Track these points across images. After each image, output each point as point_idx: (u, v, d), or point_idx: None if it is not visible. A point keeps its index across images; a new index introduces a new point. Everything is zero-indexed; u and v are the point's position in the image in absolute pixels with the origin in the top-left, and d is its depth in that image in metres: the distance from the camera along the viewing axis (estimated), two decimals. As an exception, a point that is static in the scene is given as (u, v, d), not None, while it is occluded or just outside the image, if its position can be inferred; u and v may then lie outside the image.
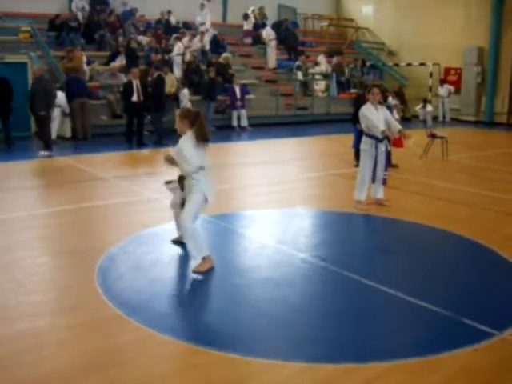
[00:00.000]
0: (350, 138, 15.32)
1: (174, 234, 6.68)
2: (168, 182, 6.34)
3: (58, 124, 14.84)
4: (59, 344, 4.29)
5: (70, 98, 15.11)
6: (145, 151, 14.16)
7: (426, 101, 22.43)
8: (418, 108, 21.85)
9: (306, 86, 21.81)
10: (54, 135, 14.70)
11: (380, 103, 8.68)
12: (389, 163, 9.13)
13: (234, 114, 18.32)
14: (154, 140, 14.79)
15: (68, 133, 15.50)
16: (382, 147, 8.35)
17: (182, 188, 5.94)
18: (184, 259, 6.21)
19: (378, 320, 4.84)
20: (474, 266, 6.31)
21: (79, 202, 8.59)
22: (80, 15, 19.61)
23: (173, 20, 21.38)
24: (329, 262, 6.07)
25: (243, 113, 18.30)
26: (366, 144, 8.34)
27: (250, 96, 19.27)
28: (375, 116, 8.24)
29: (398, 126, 8.45)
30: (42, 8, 19.20)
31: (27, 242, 6.75)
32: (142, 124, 14.62)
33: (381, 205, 8.56)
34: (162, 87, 14.98)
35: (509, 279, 5.85)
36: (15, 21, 17.88)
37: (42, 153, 12.87)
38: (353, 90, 22.88)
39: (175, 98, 16.88)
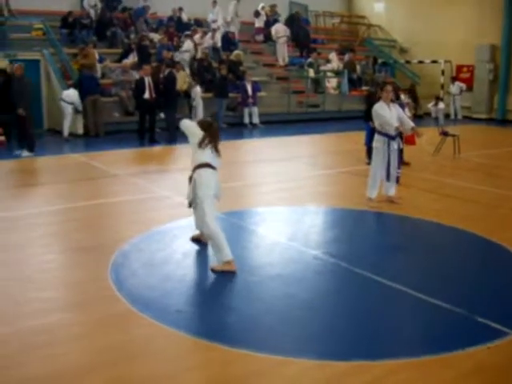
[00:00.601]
0: (361, 136, 15.28)
1: (188, 232, 6.71)
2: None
3: (70, 121, 14.89)
4: (72, 339, 4.34)
5: (82, 96, 15.15)
6: (157, 148, 14.20)
7: (438, 98, 22.33)
8: (430, 105, 21.74)
9: (317, 84, 21.76)
10: (66, 132, 14.81)
11: (393, 101, 8.68)
12: (401, 161, 9.10)
13: (246, 111, 18.31)
14: (167, 137, 14.80)
15: (80, 130, 15.55)
16: (395, 145, 8.34)
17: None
18: (196, 256, 6.25)
19: (390, 317, 4.86)
20: (486, 263, 6.31)
21: (92, 199, 8.66)
22: (92, 12, 19.65)
23: (184, 17, 21.39)
24: (340, 258, 6.09)
25: (255, 110, 18.30)
26: (378, 142, 8.34)
27: (262, 93, 19.26)
28: (388, 113, 8.23)
29: (411, 124, 8.44)
30: (54, 5, 19.22)
31: (40, 238, 6.82)
32: (154, 121, 14.66)
33: (392, 202, 8.55)
34: (174, 84, 15.02)
35: (521, 277, 5.85)
36: (28, 18, 17.95)
37: (25, 153, 12.40)
38: (364, 88, 22.84)
39: (187, 95, 16.92)
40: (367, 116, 12.29)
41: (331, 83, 22.11)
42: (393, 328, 4.65)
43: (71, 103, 14.89)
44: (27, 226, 7.34)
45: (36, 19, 17.86)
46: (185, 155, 13.57)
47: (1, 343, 4.24)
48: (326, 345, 4.33)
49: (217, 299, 5.19)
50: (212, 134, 5.98)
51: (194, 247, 6.47)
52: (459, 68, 23.74)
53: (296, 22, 23.37)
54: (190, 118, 16.45)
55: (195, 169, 5.93)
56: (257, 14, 22.94)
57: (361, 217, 8.06)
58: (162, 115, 15.60)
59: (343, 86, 21.80)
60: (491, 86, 22.90)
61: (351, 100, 21.86)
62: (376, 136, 8.41)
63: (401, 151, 8.83)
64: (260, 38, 23.11)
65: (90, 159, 12.15)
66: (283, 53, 22.04)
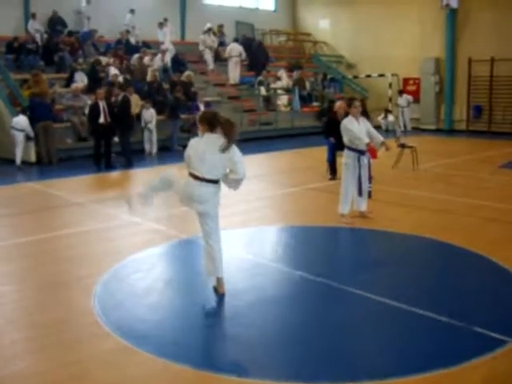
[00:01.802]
0: (317, 152, 15.42)
1: (164, 258, 6.51)
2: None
3: (22, 149, 14.44)
4: (68, 381, 4.08)
5: (33, 122, 14.69)
6: (115, 173, 13.89)
7: (387, 111, 22.74)
8: (380, 118, 22.09)
9: (268, 102, 21.81)
10: (18, 160, 14.34)
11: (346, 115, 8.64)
12: (371, 175, 9.13)
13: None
14: (123, 162, 14.49)
15: (33, 157, 15.08)
16: (365, 160, 8.35)
17: None
18: (178, 284, 6.06)
19: (389, 334, 4.79)
20: (469, 273, 6.35)
21: (60, 229, 8.33)
22: (38, 37, 19.23)
23: (132, 40, 21.17)
24: (326, 277, 6.00)
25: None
26: (348, 157, 8.32)
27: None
28: (357, 128, 8.24)
29: (381, 138, 8.47)
30: (-3, 30, 18.76)
31: (10, 274, 6.48)
32: (109, 146, 14.34)
33: (365, 217, 8.55)
34: (129, 108, 14.77)
35: (507, 284, 5.88)
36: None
37: None
38: (315, 104, 23.06)
39: (138, 118, 16.66)
40: (327, 132, 12.38)
41: (282, 101, 22.22)
42: (393, 345, 4.58)
43: (22, 130, 14.44)
44: (-5, 260, 7.01)
45: (-20, 45, 17.34)
46: (144, 179, 13.43)
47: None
48: (327, 367, 4.21)
49: (209, 327, 5.03)
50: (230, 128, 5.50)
51: (174, 275, 6.29)
52: (406, 81, 24.24)
53: (256, 43, 23.51)
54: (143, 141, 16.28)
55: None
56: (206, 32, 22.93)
57: (337, 234, 8.02)
58: (116, 139, 15.29)
59: (295, 103, 21.92)
60: (437, 98, 23.47)
61: (303, 117, 22.01)
62: (346, 151, 8.40)
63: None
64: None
65: (47, 187, 11.76)
66: (235, 72, 21.97)
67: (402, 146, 13.58)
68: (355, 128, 8.25)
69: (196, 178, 5.41)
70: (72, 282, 6.11)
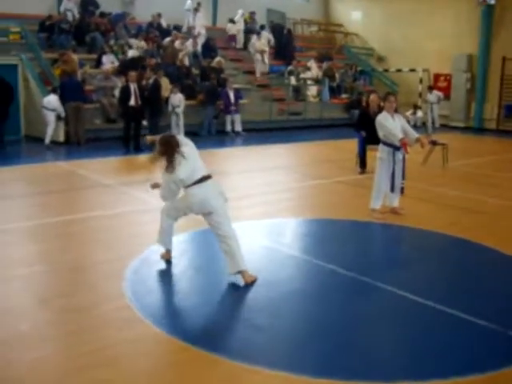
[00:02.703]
0: (346, 144, 15.30)
1: (193, 244, 6.46)
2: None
3: (52, 128, 14.50)
4: (98, 367, 4.05)
5: (64, 102, 14.75)
6: (143, 156, 13.88)
7: (416, 107, 22.50)
8: (409, 114, 21.85)
9: (298, 92, 21.68)
10: (48, 140, 14.41)
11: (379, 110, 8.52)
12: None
13: (228, 118, 18.12)
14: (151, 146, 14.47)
15: (62, 137, 15.15)
16: (400, 155, 8.23)
17: None
18: (210, 271, 6.02)
19: (423, 334, 4.68)
20: (503, 276, 6.21)
21: (88, 211, 8.34)
22: (70, 16, 19.26)
23: (164, 23, 21.11)
24: (358, 272, 5.91)
25: (237, 118, 18.10)
26: (383, 152, 8.22)
27: (243, 101, 19.07)
28: (392, 124, 8.12)
29: (415, 134, 8.34)
30: (31, 9, 18.79)
31: (41, 254, 6.48)
32: (139, 129, 14.34)
33: (396, 213, 8.44)
34: (160, 91, 14.76)
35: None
36: (5, 21, 17.46)
37: None
38: (344, 96, 22.88)
39: (167, 102, 16.65)
40: (359, 125, 12.26)
41: (311, 91, 22.07)
42: (431, 347, 4.47)
43: (53, 110, 14.50)
44: (22, 240, 7.01)
45: (13, 23, 17.39)
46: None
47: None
48: (359, 364, 4.15)
49: (240, 317, 4.98)
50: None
51: (205, 261, 6.25)
52: (436, 77, 23.93)
53: (284, 31, 23.36)
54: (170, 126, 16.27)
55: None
56: (231, 21, 22.76)
57: (368, 229, 7.92)
58: (145, 123, 15.29)
59: (324, 94, 21.77)
60: (468, 95, 23.14)
61: (332, 108, 21.86)
62: (381, 146, 8.29)
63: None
64: (238, 45, 22.98)
65: (76, 167, 11.80)
66: (262, 64, 21.85)
67: (434, 142, 13.38)
68: (390, 124, 8.13)
69: (204, 178, 5.52)
70: (102, 264, 6.09)
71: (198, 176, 5.49)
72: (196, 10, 21.19)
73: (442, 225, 7.94)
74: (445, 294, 5.50)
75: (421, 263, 6.50)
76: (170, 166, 5.38)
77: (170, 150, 5.38)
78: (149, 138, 6.05)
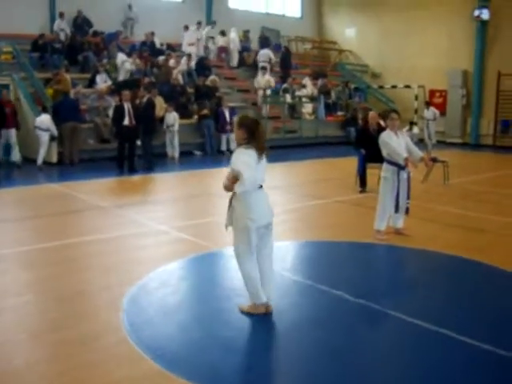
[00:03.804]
0: (343, 162, 15.09)
1: (195, 272, 6.17)
2: None
3: (46, 149, 14.24)
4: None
5: (59, 122, 14.51)
6: (137, 177, 13.61)
7: (412, 123, 22.31)
8: (405, 130, 21.62)
9: (293, 109, 21.51)
10: (40, 160, 14.14)
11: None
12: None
13: (224, 137, 17.91)
14: (145, 166, 14.23)
15: (54, 158, 14.88)
16: (404, 174, 7.99)
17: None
18: (211, 300, 5.72)
19: (440, 365, 4.38)
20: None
21: (84, 235, 8.03)
22: (62, 36, 19.09)
23: (157, 42, 20.97)
24: (367, 298, 5.62)
25: (232, 137, 17.85)
26: (387, 171, 7.97)
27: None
28: (396, 142, 7.89)
29: (420, 153, 8.11)
30: (23, 28, 18.62)
31: (33, 282, 6.17)
32: (134, 148, 14.07)
33: (401, 234, 8.18)
34: (153, 110, 14.51)
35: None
36: (-4, 41, 17.29)
37: None
38: (340, 113, 22.73)
39: (161, 121, 16.44)
40: (358, 143, 12.05)
41: (307, 109, 21.91)
42: (446, 379, 4.18)
43: (47, 130, 14.24)
44: (13, 267, 6.69)
45: (5, 42, 17.17)
46: (168, 184, 13.20)
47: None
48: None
49: (246, 350, 4.68)
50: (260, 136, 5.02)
51: (206, 290, 5.96)
52: (432, 93, 23.85)
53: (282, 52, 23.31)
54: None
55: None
56: (222, 33, 22.65)
57: (373, 251, 7.65)
58: (139, 142, 15.05)
59: (320, 112, 21.60)
60: (464, 111, 23.07)
61: (327, 125, 21.71)
62: (385, 165, 8.05)
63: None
64: (232, 63, 22.85)
65: (70, 189, 11.51)
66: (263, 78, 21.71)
67: (434, 160, 13.15)
68: (394, 142, 7.90)
69: (260, 187, 5.16)
70: (99, 293, 5.78)
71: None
72: (187, 27, 21.06)
73: (447, 245, 7.69)
74: (458, 320, 5.20)
75: (430, 287, 6.23)
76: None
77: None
78: None
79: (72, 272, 6.48)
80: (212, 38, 22.50)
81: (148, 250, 7.43)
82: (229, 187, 4.96)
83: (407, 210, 8.20)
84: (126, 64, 18.12)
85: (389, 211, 8.03)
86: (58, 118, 14.54)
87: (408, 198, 8.15)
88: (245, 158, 4.89)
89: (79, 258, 7.01)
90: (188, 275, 6.49)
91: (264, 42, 23.23)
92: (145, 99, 14.42)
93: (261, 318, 5.17)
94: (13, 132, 14.38)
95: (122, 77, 18.02)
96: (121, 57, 18.42)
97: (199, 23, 21.58)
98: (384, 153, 8.03)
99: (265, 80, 20.97)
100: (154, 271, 6.42)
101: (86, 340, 4.70)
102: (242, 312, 5.24)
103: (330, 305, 5.57)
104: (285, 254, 7.49)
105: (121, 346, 4.56)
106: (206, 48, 21.90)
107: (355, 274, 6.61)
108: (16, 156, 14.38)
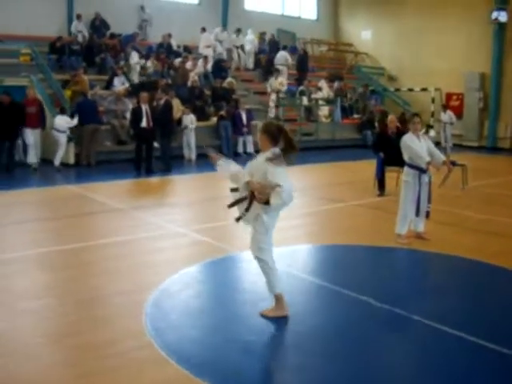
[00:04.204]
0: (360, 165, 15.00)
1: (216, 274, 6.13)
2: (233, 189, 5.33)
3: (63, 150, 14.28)
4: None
5: (80, 124, 14.66)
6: (155, 179, 13.61)
7: (428, 126, 22.16)
8: (421, 134, 21.48)
9: (309, 112, 21.45)
10: (58, 162, 14.18)
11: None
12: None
13: (240, 140, 17.88)
14: (163, 167, 14.21)
15: (71, 159, 14.92)
16: (426, 178, 7.92)
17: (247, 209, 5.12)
18: (233, 303, 5.69)
19: (471, 373, 4.33)
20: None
21: (102, 237, 8.02)
22: (80, 37, 19.18)
23: (174, 43, 21.00)
24: (392, 304, 5.55)
25: (249, 139, 17.84)
26: (408, 175, 7.90)
27: (255, 122, 18.80)
28: (418, 146, 7.83)
29: (442, 157, 8.04)
30: (41, 30, 18.75)
31: (53, 285, 6.14)
32: (151, 150, 14.08)
33: (421, 238, 8.10)
34: (171, 112, 14.50)
35: None
36: (15, 43, 17.36)
37: None
38: (356, 116, 22.63)
39: (179, 123, 16.45)
40: (376, 146, 11.97)
41: (323, 111, 21.84)
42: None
43: (64, 132, 14.28)
44: (32, 269, 6.68)
45: (24, 44, 17.26)
46: (185, 187, 13.20)
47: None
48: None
49: (271, 355, 4.65)
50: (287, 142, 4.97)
51: (228, 294, 5.92)
52: (449, 96, 23.68)
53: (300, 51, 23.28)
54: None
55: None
56: (238, 31, 22.67)
57: (395, 255, 7.58)
58: (156, 144, 15.07)
59: (336, 115, 21.52)
60: (481, 114, 22.89)
61: (343, 128, 21.61)
62: (406, 169, 7.98)
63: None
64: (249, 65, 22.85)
65: (87, 191, 11.52)
66: (284, 81, 21.68)
67: (453, 163, 13.00)
68: (416, 145, 7.84)
69: None
70: (119, 296, 5.73)
71: None
72: (204, 29, 21.10)
73: (470, 250, 7.60)
74: (484, 326, 5.13)
75: (454, 292, 6.16)
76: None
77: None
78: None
79: (91, 275, 6.45)
80: (238, 46, 22.42)
81: (167, 252, 7.40)
82: (264, 198, 4.90)
83: (428, 214, 8.12)
84: (137, 65, 18.21)
85: (410, 215, 7.96)
86: (79, 120, 14.58)
87: (429, 201, 8.08)
88: (281, 171, 4.90)
89: (98, 260, 6.98)
90: (209, 278, 6.45)
91: (273, 45, 23.08)
92: (162, 101, 14.40)
93: (285, 323, 5.12)
94: (37, 132, 14.25)
95: (135, 77, 18.08)
96: (133, 56, 18.49)
97: (224, 26, 21.65)
98: (405, 156, 7.96)
99: (277, 82, 20.85)
100: (175, 274, 6.38)
101: (108, 344, 4.65)
102: (264, 316, 5.19)
103: (355, 310, 5.51)
104: (307, 257, 7.46)
105: (143, 351, 4.52)
106: (230, 50, 21.83)
107: (379, 279, 6.55)
108: (32, 158, 14.16)
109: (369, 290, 5.94)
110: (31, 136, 14.12)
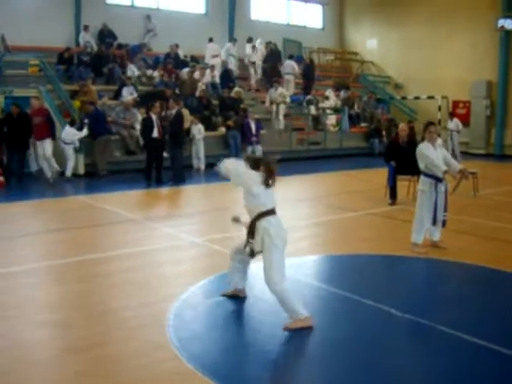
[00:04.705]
0: (369, 174, 14.98)
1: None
2: (235, 220, 5.67)
3: (73, 162, 14.31)
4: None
5: (94, 136, 14.76)
6: (165, 189, 13.60)
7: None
8: (438, 143, 21.46)
9: (317, 121, 21.45)
10: (69, 173, 14.21)
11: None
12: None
13: (249, 149, 17.82)
14: (175, 178, 14.16)
15: (81, 170, 14.93)
16: (442, 187, 7.90)
17: (252, 234, 5.33)
18: (257, 315, 5.66)
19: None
20: None
21: (118, 248, 7.98)
22: (88, 48, 19.25)
23: (181, 54, 21.05)
24: (414, 313, 5.52)
25: (258, 148, 17.78)
26: (424, 184, 7.89)
27: (263, 131, 18.83)
28: (434, 155, 7.82)
29: (458, 166, 8.02)
30: (49, 41, 18.83)
31: (72, 297, 6.11)
32: (161, 161, 14.08)
33: (437, 247, 8.08)
34: (183, 123, 14.52)
35: None
36: (24, 54, 17.43)
37: None
38: (363, 124, 22.64)
39: (187, 133, 16.45)
40: (388, 155, 11.95)
41: (330, 120, 21.85)
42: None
43: (70, 143, 14.30)
44: (49, 281, 6.67)
45: (32, 55, 17.32)
46: (196, 197, 13.19)
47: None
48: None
49: (298, 367, 4.60)
50: (271, 170, 5.25)
51: (249, 304, 5.88)
52: (455, 104, 23.68)
53: (307, 60, 23.28)
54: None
55: (262, 216, 5.21)
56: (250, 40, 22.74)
57: (412, 264, 7.53)
58: (166, 154, 15.07)
59: (344, 123, 21.53)
60: (488, 122, 22.87)
61: (351, 137, 21.62)
62: (422, 178, 7.97)
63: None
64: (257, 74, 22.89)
65: (99, 202, 11.52)
66: (287, 90, 21.68)
67: (459, 171, 13.01)
68: (432, 154, 7.83)
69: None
70: (140, 308, 5.69)
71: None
72: (211, 40, 21.16)
73: (487, 258, 7.58)
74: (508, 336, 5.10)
75: (477, 302, 6.12)
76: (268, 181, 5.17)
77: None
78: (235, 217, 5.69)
79: (108, 287, 6.42)
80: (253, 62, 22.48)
81: (184, 263, 7.39)
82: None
83: (444, 223, 8.10)
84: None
85: (426, 224, 7.94)
86: (92, 132, 14.67)
87: (445, 210, 8.05)
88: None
89: (116, 272, 6.93)
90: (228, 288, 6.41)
91: (271, 56, 22.96)
92: (174, 111, 14.37)
93: (308, 334, 5.10)
94: (47, 143, 13.88)
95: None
96: (132, 69, 18.54)
97: (235, 40, 21.84)
98: (421, 165, 7.95)
99: (277, 93, 20.68)
100: (194, 285, 6.37)
101: (134, 356, 4.63)
102: (287, 329, 5.16)
103: (378, 320, 5.48)
104: (324, 267, 7.44)
105: (170, 363, 4.49)
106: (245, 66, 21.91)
107: (398, 288, 6.52)
108: (47, 171, 13.93)
109: (389, 300, 5.91)
110: (39, 148, 14.01)
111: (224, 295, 5.95)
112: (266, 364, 4.55)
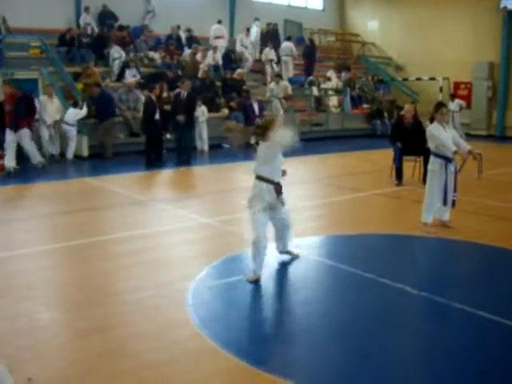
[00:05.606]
0: (373, 155, 14.99)
1: (247, 266, 6.12)
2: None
3: (75, 143, 14.28)
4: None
5: (101, 119, 14.76)
6: (170, 171, 13.58)
7: (436, 115, 22.11)
8: (429, 123, 21.48)
9: (319, 102, 21.41)
10: (70, 155, 14.18)
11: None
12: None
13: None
14: (182, 159, 14.11)
15: (85, 152, 14.90)
16: (452, 167, 7.94)
17: None
18: (273, 292, 5.71)
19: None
20: None
21: (129, 229, 7.99)
22: (89, 30, 19.13)
23: (183, 35, 20.93)
24: (430, 291, 5.57)
25: (261, 129, 17.77)
26: (434, 165, 7.92)
27: (265, 112, 18.76)
28: (445, 135, 7.84)
29: (467, 147, 8.05)
30: (50, 23, 18.68)
31: (88, 277, 6.13)
32: (162, 142, 14.11)
33: (447, 227, 8.13)
34: (195, 104, 14.51)
35: None
36: (25, 36, 17.31)
37: None
38: (365, 106, 22.61)
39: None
40: (394, 137, 11.96)
41: (332, 101, 21.81)
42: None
43: (73, 125, 14.27)
44: (68, 262, 6.71)
45: (33, 37, 17.20)
46: (202, 178, 13.21)
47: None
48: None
49: (320, 345, 4.65)
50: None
51: (264, 284, 5.91)
52: (456, 85, 23.63)
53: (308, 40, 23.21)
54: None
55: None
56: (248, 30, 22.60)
57: (423, 243, 7.59)
58: (168, 136, 15.07)
59: (346, 105, 21.50)
60: (489, 103, 22.84)
61: (353, 118, 21.59)
62: (432, 158, 8.00)
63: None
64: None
65: (105, 183, 11.52)
66: (286, 72, 21.59)
67: (468, 152, 13.03)
68: (442, 135, 7.86)
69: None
70: (158, 288, 5.71)
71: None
72: (219, 22, 21.06)
73: (495, 238, 7.63)
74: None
75: (490, 280, 6.17)
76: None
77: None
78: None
79: (125, 267, 6.45)
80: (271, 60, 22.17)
81: (197, 244, 7.43)
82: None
83: (454, 203, 8.14)
84: (115, 61, 18.05)
85: (436, 204, 7.98)
86: (98, 115, 14.73)
87: (455, 190, 8.09)
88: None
89: (130, 252, 6.95)
90: (244, 268, 6.45)
91: (266, 38, 22.78)
92: (185, 93, 14.25)
93: (326, 311, 5.15)
94: (23, 133, 12.30)
95: (115, 69, 17.98)
96: (113, 52, 18.27)
97: (247, 30, 22.06)
98: (432, 146, 7.98)
99: (281, 88, 19.89)
100: (209, 265, 6.41)
101: (156, 335, 4.66)
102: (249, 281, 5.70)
103: (394, 299, 5.53)
104: (337, 247, 7.48)
105: (194, 341, 4.54)
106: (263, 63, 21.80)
107: (412, 267, 6.59)
108: (33, 158, 12.84)
109: (403, 278, 5.96)
110: (9, 136, 12.24)
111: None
112: (288, 341, 4.59)
